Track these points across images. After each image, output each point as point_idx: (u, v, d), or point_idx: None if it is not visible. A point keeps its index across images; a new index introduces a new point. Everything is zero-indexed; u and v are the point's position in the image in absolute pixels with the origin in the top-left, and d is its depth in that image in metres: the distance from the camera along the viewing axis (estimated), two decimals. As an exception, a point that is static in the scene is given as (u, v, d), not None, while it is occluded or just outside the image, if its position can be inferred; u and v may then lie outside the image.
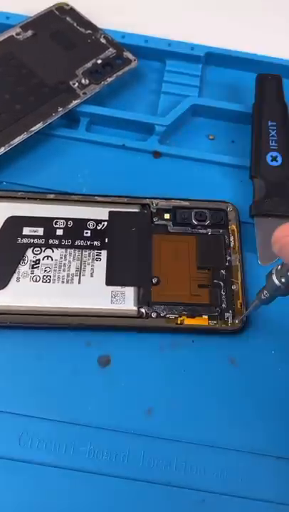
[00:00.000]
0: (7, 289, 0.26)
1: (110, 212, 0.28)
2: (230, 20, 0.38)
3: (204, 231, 0.28)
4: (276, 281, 0.22)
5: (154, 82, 0.35)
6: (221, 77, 0.35)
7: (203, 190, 0.31)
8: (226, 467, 0.24)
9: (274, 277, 0.22)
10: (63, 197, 0.29)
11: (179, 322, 0.26)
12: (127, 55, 0.34)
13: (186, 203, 0.29)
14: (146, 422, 0.25)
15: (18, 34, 0.34)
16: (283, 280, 0.22)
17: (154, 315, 0.26)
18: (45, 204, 0.28)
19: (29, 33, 0.34)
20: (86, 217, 0.28)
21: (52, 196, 0.29)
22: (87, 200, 0.29)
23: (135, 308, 0.26)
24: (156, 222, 0.29)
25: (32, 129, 0.30)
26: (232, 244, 0.28)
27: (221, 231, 0.29)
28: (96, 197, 0.29)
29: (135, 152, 0.32)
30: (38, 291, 0.26)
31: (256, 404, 0.25)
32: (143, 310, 0.26)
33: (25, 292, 0.26)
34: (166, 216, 0.29)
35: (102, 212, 0.28)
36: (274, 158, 0.30)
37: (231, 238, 0.28)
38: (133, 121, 0.32)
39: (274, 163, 0.30)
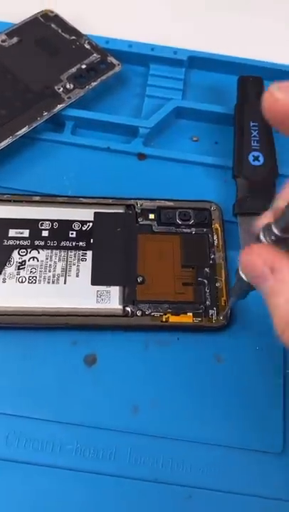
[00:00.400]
0: None
1: (95, 213, 0.29)
2: (212, 24, 0.39)
3: (188, 230, 0.29)
4: (244, 277, 0.22)
5: (138, 86, 0.35)
6: (203, 80, 0.36)
7: (187, 190, 0.31)
8: (212, 462, 0.24)
9: (241, 273, 0.22)
10: (49, 199, 0.29)
11: (164, 320, 0.26)
12: (111, 59, 0.34)
13: (171, 203, 0.30)
14: (132, 419, 0.25)
15: (3, 41, 0.34)
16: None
17: (139, 313, 0.27)
18: (31, 206, 0.29)
19: (14, 39, 0.35)
20: (71, 218, 0.28)
21: (37, 198, 0.29)
22: (72, 201, 0.29)
23: (120, 307, 0.26)
24: (141, 223, 0.29)
25: (17, 133, 0.30)
26: (216, 242, 0.29)
27: (204, 230, 0.29)
28: (81, 198, 0.29)
29: (120, 154, 0.32)
30: (24, 292, 0.26)
31: (241, 400, 0.26)
32: (128, 309, 0.27)
33: (12, 293, 0.26)
34: (151, 216, 0.29)
35: (87, 214, 0.29)
36: (256, 158, 0.31)
37: (215, 237, 0.29)
38: (117, 124, 0.33)
39: (256, 163, 0.31)
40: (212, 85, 0.36)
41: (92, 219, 0.28)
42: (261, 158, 0.31)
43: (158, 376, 0.26)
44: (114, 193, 0.30)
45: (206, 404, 0.25)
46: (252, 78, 0.33)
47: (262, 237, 0.20)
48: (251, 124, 0.32)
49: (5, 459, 0.24)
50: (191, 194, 0.31)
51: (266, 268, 0.19)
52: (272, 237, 0.19)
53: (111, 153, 0.32)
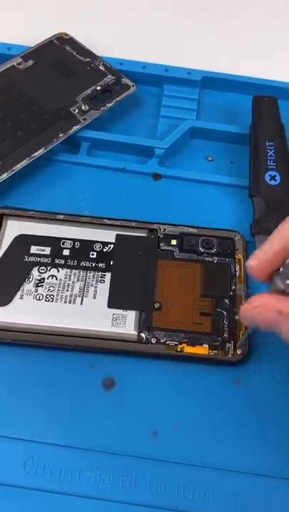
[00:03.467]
0: (10, 306, 0.26)
1: (117, 235, 0.29)
2: (225, 44, 0.39)
3: (210, 259, 0.28)
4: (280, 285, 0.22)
5: (153, 107, 0.35)
6: (217, 100, 0.36)
7: (203, 210, 0.31)
8: (235, 490, 0.24)
9: (278, 282, 0.21)
10: (72, 218, 0.29)
11: (178, 349, 0.26)
12: (126, 81, 0.35)
13: (194, 230, 0.29)
14: (152, 445, 0.24)
15: (19, 64, 0.35)
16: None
17: (154, 340, 0.26)
18: (54, 224, 0.29)
19: (30, 62, 0.35)
20: (93, 238, 0.28)
21: (61, 217, 0.29)
22: (95, 222, 0.29)
23: (135, 332, 0.26)
24: (162, 248, 0.29)
25: (34, 154, 0.30)
26: (238, 273, 0.28)
27: (227, 260, 0.28)
28: (105, 219, 0.29)
29: (135, 175, 0.32)
30: (40, 310, 0.26)
31: (263, 425, 0.25)
32: (143, 335, 0.26)
33: (28, 310, 0.26)
34: (173, 242, 0.29)
35: (109, 235, 0.28)
36: (273, 177, 0.31)
37: (237, 267, 0.28)
38: (133, 145, 0.33)
39: (273, 182, 0.31)
40: (226, 105, 0.36)
41: (113, 241, 0.28)
42: (278, 178, 0.31)
43: (177, 400, 0.25)
44: (129, 213, 0.30)
45: (227, 430, 0.25)
46: (266, 98, 0.33)
47: (279, 281, 0.20)
48: (267, 143, 0.32)
49: (22, 486, 0.23)
50: (207, 214, 0.31)
51: (276, 314, 0.20)
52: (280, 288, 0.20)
53: (126, 173, 0.32)
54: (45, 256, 0.28)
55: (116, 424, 0.25)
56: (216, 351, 0.26)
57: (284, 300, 0.20)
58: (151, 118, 0.35)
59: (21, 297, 0.27)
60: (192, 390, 0.26)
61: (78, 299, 0.27)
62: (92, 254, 0.28)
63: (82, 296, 0.27)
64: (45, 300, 0.27)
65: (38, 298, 0.27)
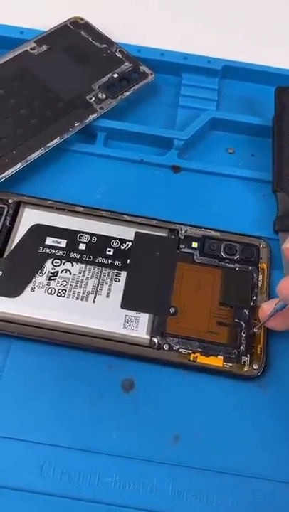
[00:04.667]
0: (20, 298, 0.25)
1: (137, 233, 0.27)
2: (246, 33, 0.38)
3: (232, 265, 0.27)
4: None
5: (171, 96, 0.34)
6: (238, 91, 0.35)
7: (224, 204, 0.30)
8: (257, 497, 0.23)
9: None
10: (92, 211, 0.28)
11: (191, 359, 0.25)
12: (144, 68, 0.33)
13: (217, 234, 0.28)
14: (173, 449, 0.23)
15: (32, 49, 0.33)
16: None
17: (166, 347, 0.25)
18: (72, 216, 0.28)
19: (44, 47, 0.34)
20: (111, 234, 0.27)
21: (80, 209, 0.28)
22: (115, 217, 0.28)
23: (148, 337, 0.25)
24: (182, 250, 0.27)
25: (49, 144, 0.29)
26: (260, 283, 0.27)
27: (249, 268, 0.27)
28: (124, 215, 0.28)
29: (154, 167, 0.31)
30: (51, 305, 0.25)
31: (286, 431, 0.24)
32: (156, 340, 0.25)
33: (38, 304, 0.25)
34: (194, 245, 0.27)
35: (128, 232, 0.27)
36: (298, 172, 0.29)
37: (260, 277, 0.27)
38: (151, 136, 0.31)
39: (298, 177, 0.29)
40: (247, 96, 0.35)
41: (132, 238, 0.27)
42: (303, 172, 0.29)
43: (199, 404, 0.24)
44: (147, 207, 0.29)
45: (250, 436, 0.24)
46: (290, 89, 0.32)
47: None
48: (291, 136, 0.30)
49: (39, 491, 0.22)
50: (228, 209, 0.30)
51: None
52: None
53: (144, 165, 0.31)
54: (60, 249, 0.27)
55: (136, 427, 0.24)
56: (230, 364, 0.25)
57: None
58: (169, 108, 0.34)
59: (32, 289, 0.26)
60: (212, 395, 0.25)
61: (91, 297, 0.26)
62: (109, 251, 0.27)
63: (96, 294, 0.26)
64: (57, 295, 0.26)
65: (49, 292, 0.26)
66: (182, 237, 0.28)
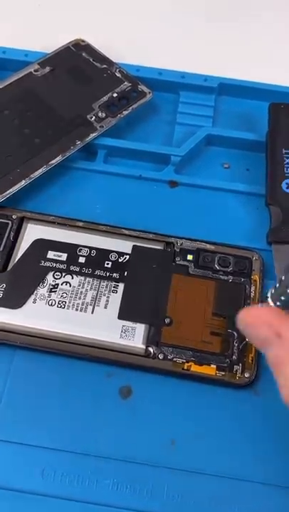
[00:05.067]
0: (22, 309, 0.27)
1: (134, 246, 0.29)
2: (241, 51, 0.39)
3: (225, 277, 0.28)
4: (272, 304, 0.21)
5: (169, 114, 0.35)
6: (234, 107, 0.36)
7: (219, 217, 0.31)
8: (253, 501, 0.24)
9: (269, 300, 0.21)
10: (91, 226, 0.29)
11: (185, 367, 0.26)
12: (142, 88, 0.35)
13: (212, 247, 0.29)
14: (169, 453, 0.24)
15: (36, 70, 0.35)
16: (278, 303, 0.21)
17: (161, 356, 0.26)
18: (73, 231, 0.29)
19: (47, 69, 0.35)
20: (110, 248, 0.28)
21: (80, 224, 0.29)
22: (113, 231, 0.29)
23: (143, 346, 0.26)
24: (177, 262, 0.28)
25: (51, 162, 0.31)
26: (252, 294, 0.28)
27: (242, 279, 0.28)
28: (123, 229, 0.29)
29: (151, 182, 0.32)
30: (52, 316, 0.27)
31: (281, 436, 0.25)
32: (151, 349, 0.26)
33: (39, 315, 0.26)
34: (189, 257, 0.28)
35: (125, 245, 0.29)
36: (290, 186, 0.31)
37: (252, 288, 0.28)
38: (149, 153, 0.33)
39: (290, 191, 0.30)
40: (242, 112, 0.36)
41: (129, 251, 0.28)
42: (295, 186, 0.31)
43: (194, 409, 0.25)
44: (146, 221, 0.30)
45: (245, 441, 0.25)
46: (283, 105, 0.33)
47: (270, 300, 0.20)
48: (284, 151, 0.32)
49: (40, 493, 0.23)
50: (223, 221, 0.31)
51: (271, 333, 0.18)
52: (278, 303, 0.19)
53: (143, 181, 0.32)
54: (61, 262, 0.28)
55: (134, 432, 0.25)
56: (223, 372, 0.26)
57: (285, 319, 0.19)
58: (167, 125, 0.35)
59: (34, 301, 0.27)
60: (206, 401, 0.26)
61: (90, 308, 0.27)
62: (108, 264, 0.28)
63: (94, 305, 0.27)
64: (57, 306, 0.27)
65: (50, 303, 0.27)
66: (178, 250, 0.29)
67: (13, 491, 0.23)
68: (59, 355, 0.26)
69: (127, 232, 0.29)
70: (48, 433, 0.25)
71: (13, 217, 0.29)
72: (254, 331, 0.19)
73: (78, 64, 0.36)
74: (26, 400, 0.25)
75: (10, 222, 0.29)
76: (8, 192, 0.29)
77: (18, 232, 0.29)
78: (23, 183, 0.30)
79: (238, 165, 0.34)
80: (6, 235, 0.29)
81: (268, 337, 0.18)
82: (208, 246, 0.29)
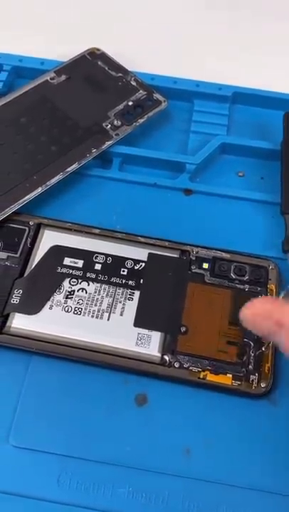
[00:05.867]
0: (39, 315, 0.27)
1: (150, 254, 0.29)
2: (256, 59, 0.39)
3: (241, 286, 0.28)
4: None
5: (183, 122, 0.36)
6: (248, 116, 0.36)
7: (234, 226, 0.31)
8: (268, 511, 0.23)
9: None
10: (107, 233, 0.29)
11: (201, 376, 0.26)
12: (157, 96, 0.35)
13: (227, 255, 0.29)
14: (185, 462, 0.24)
15: (52, 79, 0.35)
16: None
17: (176, 365, 0.26)
18: (89, 238, 0.29)
19: (63, 77, 0.36)
20: (126, 255, 0.29)
21: (97, 231, 0.29)
22: (129, 239, 0.29)
23: (159, 354, 0.26)
24: (193, 271, 0.28)
25: (68, 169, 0.31)
26: None
27: (258, 289, 0.28)
28: (139, 237, 0.29)
29: (166, 190, 0.32)
30: (67, 322, 0.27)
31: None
32: (166, 358, 0.26)
33: (55, 321, 0.27)
34: (205, 266, 0.28)
35: (141, 253, 0.29)
36: (305, 195, 0.31)
37: None
38: (164, 161, 0.33)
39: (305, 200, 0.30)
40: (257, 121, 0.36)
41: (145, 259, 0.28)
42: (310, 195, 0.31)
43: (210, 418, 0.25)
44: (160, 229, 0.30)
45: (261, 450, 0.25)
46: (298, 114, 0.33)
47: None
48: (299, 160, 0.32)
49: (56, 501, 0.23)
50: (238, 230, 0.31)
51: (272, 324, 0.19)
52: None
53: (158, 188, 0.32)
54: (77, 268, 0.28)
55: (149, 440, 0.25)
56: (239, 382, 0.25)
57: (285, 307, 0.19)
58: (181, 133, 0.35)
59: (50, 307, 0.27)
60: (222, 411, 0.25)
61: (106, 315, 0.27)
62: (123, 271, 0.28)
63: (110, 312, 0.27)
64: (74, 313, 0.27)
65: (66, 310, 0.27)
66: (193, 258, 0.29)
67: (28, 498, 0.23)
68: (75, 361, 0.26)
69: (142, 239, 0.29)
70: (63, 440, 0.25)
71: (30, 223, 0.29)
72: (257, 327, 0.20)
73: (94, 72, 0.36)
74: (41, 407, 0.25)
75: (27, 228, 0.29)
76: (24, 199, 0.30)
77: (35, 239, 0.29)
78: (39, 190, 0.30)
79: (253, 173, 0.34)
80: (23, 241, 0.29)
81: (271, 329, 0.19)
82: (223, 254, 0.29)
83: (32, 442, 0.24)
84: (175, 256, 0.29)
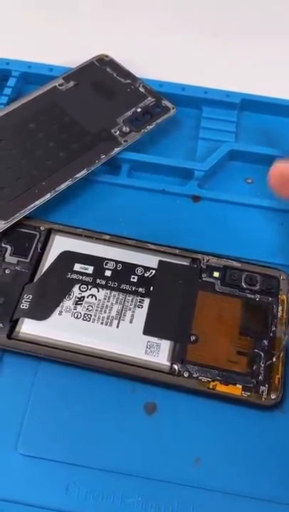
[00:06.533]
0: (48, 321, 0.27)
1: (160, 261, 0.28)
2: (264, 66, 0.39)
3: (252, 296, 0.28)
4: None
5: (192, 129, 0.36)
6: (256, 123, 0.36)
7: (243, 233, 0.31)
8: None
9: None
10: (118, 239, 0.29)
11: (210, 387, 0.25)
12: (166, 103, 0.35)
13: (238, 265, 0.28)
14: (194, 472, 0.24)
15: (60, 85, 0.35)
16: None
17: (186, 374, 0.25)
18: (99, 244, 0.29)
19: (71, 83, 0.36)
20: (136, 262, 0.28)
21: (107, 237, 0.29)
22: (139, 245, 0.29)
23: (168, 363, 0.26)
24: (204, 279, 0.28)
25: (76, 175, 0.31)
26: (280, 314, 0.27)
27: (270, 299, 0.28)
28: (149, 244, 0.29)
29: (175, 196, 0.32)
30: (77, 329, 0.26)
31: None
32: (176, 367, 0.26)
33: (65, 327, 0.26)
34: (216, 274, 0.28)
35: (152, 260, 0.28)
36: (314, 202, 0.30)
37: (280, 308, 0.27)
38: (172, 167, 0.33)
39: (315, 207, 0.30)
40: (265, 127, 0.36)
41: (155, 266, 0.28)
42: None
43: (220, 427, 0.25)
44: (169, 236, 0.30)
45: (272, 461, 0.24)
46: (306, 121, 0.33)
47: None
48: (308, 167, 0.32)
49: (65, 510, 0.23)
50: (247, 237, 0.31)
51: None
52: None
53: (166, 195, 0.32)
54: (87, 275, 0.28)
55: (158, 449, 0.24)
56: (249, 393, 0.25)
57: None
58: (189, 140, 0.35)
59: (60, 313, 0.27)
60: (232, 421, 0.25)
61: (115, 322, 0.27)
62: (133, 278, 0.28)
63: (119, 320, 0.27)
64: (83, 319, 0.27)
65: (76, 316, 0.27)
66: (204, 267, 0.28)
67: (37, 508, 0.23)
68: (83, 368, 0.26)
69: (153, 246, 0.29)
70: (72, 448, 0.24)
71: (41, 228, 0.29)
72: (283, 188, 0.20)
73: (102, 79, 0.36)
74: (50, 414, 0.25)
75: (38, 233, 0.29)
76: (33, 205, 0.30)
77: (45, 244, 0.29)
78: (48, 196, 0.30)
79: (261, 180, 0.34)
80: (34, 246, 0.29)
81: None
82: (234, 263, 0.29)
83: (40, 450, 0.24)
84: (186, 264, 0.29)
